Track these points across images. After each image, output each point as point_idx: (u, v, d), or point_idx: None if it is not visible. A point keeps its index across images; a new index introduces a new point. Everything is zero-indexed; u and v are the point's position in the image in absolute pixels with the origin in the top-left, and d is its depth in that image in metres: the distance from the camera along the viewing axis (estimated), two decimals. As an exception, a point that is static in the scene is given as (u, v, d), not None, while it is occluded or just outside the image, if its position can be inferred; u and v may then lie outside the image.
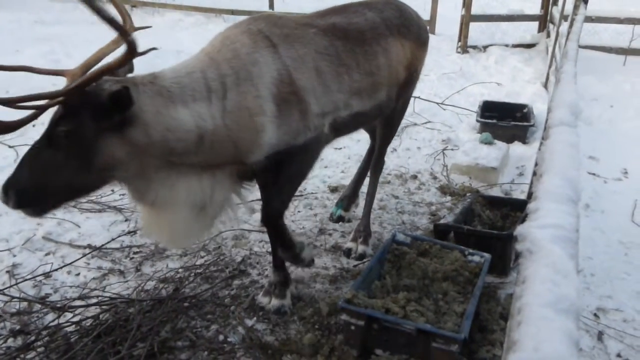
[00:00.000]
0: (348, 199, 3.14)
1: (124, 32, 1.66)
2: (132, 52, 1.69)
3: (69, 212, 3.14)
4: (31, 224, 2.99)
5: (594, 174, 3.85)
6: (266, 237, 2.96)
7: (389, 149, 4.16)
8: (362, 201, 3.20)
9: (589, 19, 6.31)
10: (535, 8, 8.40)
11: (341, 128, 2.33)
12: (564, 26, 5.11)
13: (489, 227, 2.96)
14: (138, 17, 10.14)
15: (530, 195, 2.81)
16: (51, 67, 5.66)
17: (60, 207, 2.01)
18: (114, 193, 3.38)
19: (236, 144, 1.96)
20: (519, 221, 2.72)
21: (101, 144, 1.78)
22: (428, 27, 8.64)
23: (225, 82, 1.93)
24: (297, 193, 3.42)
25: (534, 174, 2.32)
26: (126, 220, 3.08)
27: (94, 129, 1.76)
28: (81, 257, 2.69)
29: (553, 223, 1.06)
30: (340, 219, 3.12)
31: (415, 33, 2.58)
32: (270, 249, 2.84)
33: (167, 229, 2.02)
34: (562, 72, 2.58)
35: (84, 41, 7.52)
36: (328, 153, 4.08)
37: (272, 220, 2.17)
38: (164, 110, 1.82)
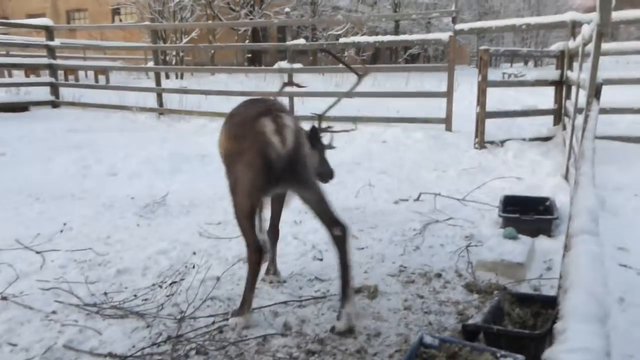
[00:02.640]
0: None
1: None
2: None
3: (92, 318, 3.12)
4: (53, 332, 2.97)
5: (625, 266, 3.73)
6: (290, 341, 2.89)
7: (411, 246, 4.16)
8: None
9: (603, 111, 6.42)
10: (548, 102, 8.60)
11: None
12: (579, 118, 5.19)
13: (519, 326, 2.84)
14: (165, 123, 10.64)
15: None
16: (81, 173, 6.01)
17: None
18: (137, 298, 3.37)
19: None
20: (550, 322, 2.62)
21: None
22: (444, 125, 8.91)
23: None
24: (319, 295, 3.39)
25: (559, 287, 2.26)
26: (148, 327, 3.03)
27: None
28: (101, 367, 2.63)
29: (582, 347, 1.02)
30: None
31: (226, 126, 3.03)
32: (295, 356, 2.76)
33: None
34: (579, 175, 2.59)
35: (113, 147, 7.88)
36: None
37: None
38: None
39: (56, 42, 12.69)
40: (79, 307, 3.23)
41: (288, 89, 4.18)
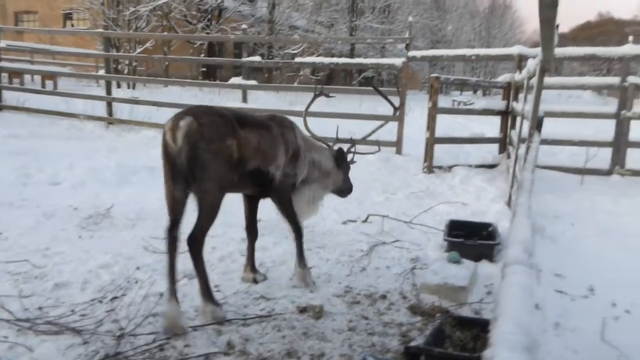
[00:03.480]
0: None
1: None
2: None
3: (23, 334, 2.97)
4: (-20, 349, 2.81)
5: (561, 292, 3.87)
6: (235, 359, 2.85)
7: (358, 267, 4.19)
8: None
9: (545, 142, 6.73)
10: (495, 131, 8.92)
11: None
12: (523, 148, 5.41)
13: (460, 349, 2.90)
14: (114, 133, 10.39)
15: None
16: (21, 181, 5.82)
17: None
18: (74, 313, 3.24)
19: None
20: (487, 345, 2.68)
21: None
22: (395, 149, 9.03)
23: None
24: (264, 313, 3.36)
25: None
26: (85, 344, 2.92)
27: None
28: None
29: (506, 375, 1.07)
30: None
31: None
32: (235, 374, 2.72)
33: None
34: (517, 205, 2.69)
35: (57, 155, 7.59)
36: (297, 272, 4.06)
37: None
38: None
39: (1, 43, 12.23)
40: (9, 322, 3.07)
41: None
